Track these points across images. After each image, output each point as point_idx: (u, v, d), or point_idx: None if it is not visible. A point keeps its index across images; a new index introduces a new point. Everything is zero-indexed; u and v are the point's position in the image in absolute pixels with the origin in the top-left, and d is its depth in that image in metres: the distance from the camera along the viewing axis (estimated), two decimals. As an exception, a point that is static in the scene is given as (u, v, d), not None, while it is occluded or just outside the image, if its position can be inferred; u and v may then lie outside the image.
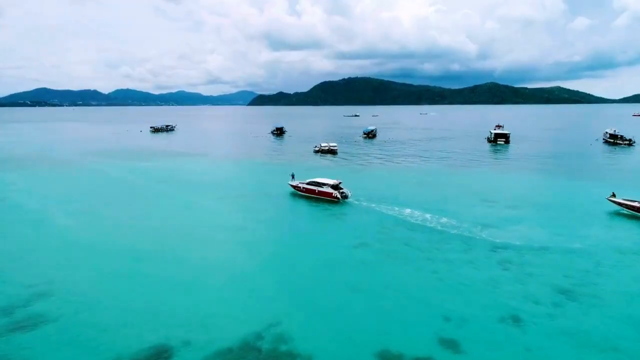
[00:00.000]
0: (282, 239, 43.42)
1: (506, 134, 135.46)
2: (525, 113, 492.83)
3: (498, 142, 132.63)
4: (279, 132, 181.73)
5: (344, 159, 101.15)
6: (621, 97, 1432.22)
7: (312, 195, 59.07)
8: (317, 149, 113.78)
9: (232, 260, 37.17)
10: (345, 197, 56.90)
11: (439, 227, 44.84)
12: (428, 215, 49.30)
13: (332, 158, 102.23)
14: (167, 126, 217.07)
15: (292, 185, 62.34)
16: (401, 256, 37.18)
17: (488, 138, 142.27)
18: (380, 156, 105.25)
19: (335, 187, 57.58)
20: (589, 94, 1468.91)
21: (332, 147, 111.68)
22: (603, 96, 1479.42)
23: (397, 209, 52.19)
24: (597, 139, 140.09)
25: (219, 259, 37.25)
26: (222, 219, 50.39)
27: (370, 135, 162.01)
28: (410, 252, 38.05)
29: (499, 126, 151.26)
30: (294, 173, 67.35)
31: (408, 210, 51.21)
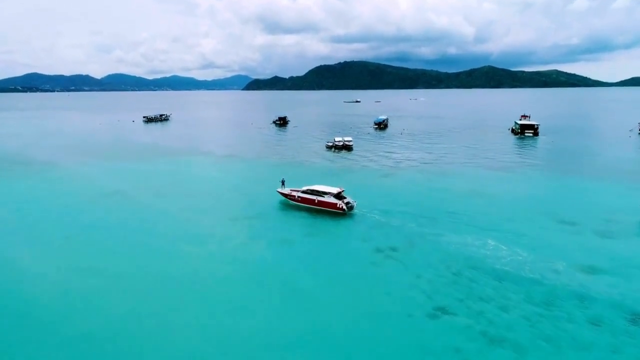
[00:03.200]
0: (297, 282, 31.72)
1: (534, 125, 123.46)
2: (526, 98, 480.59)
3: (526, 135, 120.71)
4: (282, 122, 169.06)
5: (361, 155, 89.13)
6: (618, 80, 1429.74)
7: (311, 205, 50.60)
8: (330, 144, 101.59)
9: (226, 315, 25.56)
10: (350, 208, 49.03)
11: (518, 269, 33.30)
12: (490, 245, 38.05)
13: (347, 156, 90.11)
14: (161, 115, 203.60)
15: (282, 194, 53.79)
16: (479, 333, 25.53)
17: (513, 129, 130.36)
18: (400, 152, 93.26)
19: (339, 195, 49.67)
20: (586, 78, 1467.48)
21: (347, 143, 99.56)
22: (600, 79, 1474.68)
23: (442, 232, 41.59)
24: (631, 130, 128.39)
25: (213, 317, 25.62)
26: (237, 263, 38.53)
27: (381, 126, 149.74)
28: (493, 328, 26.26)
29: (524, 116, 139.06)
30: (284, 179, 57.43)
31: (454, 236, 40.55)
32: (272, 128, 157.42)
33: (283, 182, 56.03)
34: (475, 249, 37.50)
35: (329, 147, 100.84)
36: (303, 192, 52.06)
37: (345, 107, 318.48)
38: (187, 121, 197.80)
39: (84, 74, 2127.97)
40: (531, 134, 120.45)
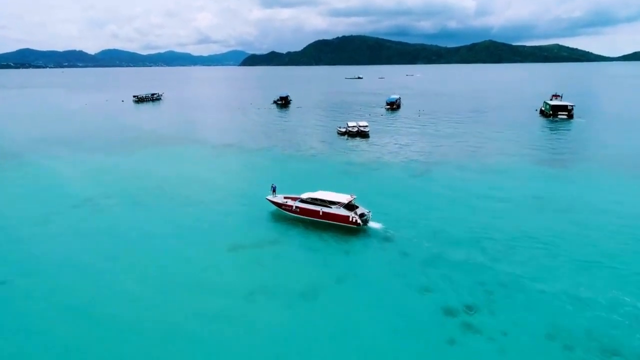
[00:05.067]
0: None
1: (567, 106, 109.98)
2: (536, 73, 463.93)
3: (559, 116, 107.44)
4: (283, 102, 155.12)
5: (380, 145, 76.26)
6: (620, 54, 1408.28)
7: (314, 218, 39.85)
8: (342, 130, 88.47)
9: None
10: (365, 221, 38.55)
11: None
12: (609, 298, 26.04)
13: (363, 146, 77.19)
14: (152, 95, 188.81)
15: (275, 203, 42.87)
16: None
17: (542, 110, 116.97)
18: (425, 141, 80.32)
19: (349, 206, 38.80)
20: (588, 52, 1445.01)
21: (362, 129, 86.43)
22: (602, 54, 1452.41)
23: (526, 274, 29.64)
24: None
25: None
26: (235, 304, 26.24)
27: (394, 106, 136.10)
28: None
29: (556, 96, 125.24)
30: (276, 185, 45.06)
31: (549, 282, 28.31)
32: (273, 109, 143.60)
33: (274, 189, 44.12)
34: (585, 307, 25.35)
35: (342, 134, 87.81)
36: (303, 201, 40.45)
37: (347, 84, 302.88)
38: (181, 101, 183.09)
39: (77, 49, 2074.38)
40: (565, 117, 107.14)
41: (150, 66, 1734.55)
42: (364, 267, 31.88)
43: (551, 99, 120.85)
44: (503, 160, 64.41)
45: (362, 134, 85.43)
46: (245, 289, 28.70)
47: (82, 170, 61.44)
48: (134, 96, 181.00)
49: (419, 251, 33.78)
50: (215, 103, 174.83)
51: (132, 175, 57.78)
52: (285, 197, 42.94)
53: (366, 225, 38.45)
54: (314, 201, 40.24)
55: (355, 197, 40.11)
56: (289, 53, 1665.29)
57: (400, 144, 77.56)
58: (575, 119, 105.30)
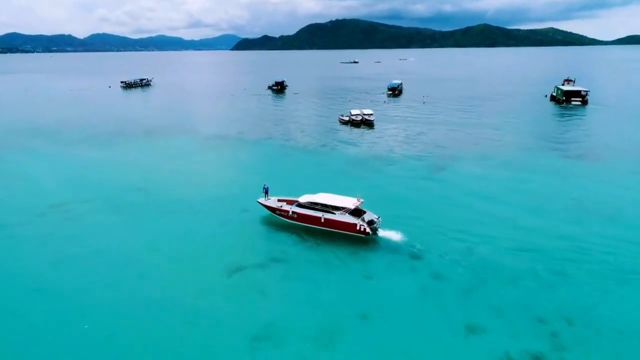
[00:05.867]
0: None
1: (581, 91, 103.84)
2: (530, 57, 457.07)
3: (573, 103, 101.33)
4: (279, 87, 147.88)
5: (387, 136, 70.00)
6: (615, 38, 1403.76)
7: (315, 226, 34.20)
8: (345, 119, 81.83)
9: None
10: (375, 229, 32.93)
11: None
12: None
13: (369, 137, 70.85)
14: (141, 80, 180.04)
15: (268, 207, 37.09)
16: None
17: (553, 96, 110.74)
18: (435, 131, 74.03)
19: (357, 211, 33.26)
20: (582, 36, 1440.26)
21: (367, 118, 79.86)
22: (596, 38, 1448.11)
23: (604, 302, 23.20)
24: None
25: None
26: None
27: (396, 92, 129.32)
28: None
29: (568, 80, 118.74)
30: (268, 186, 38.38)
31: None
32: (268, 95, 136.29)
33: (266, 191, 37.76)
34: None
35: (344, 123, 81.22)
36: (301, 205, 34.53)
37: (343, 69, 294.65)
38: (171, 87, 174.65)
39: (66, 33, 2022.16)
40: (579, 103, 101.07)
41: (141, 50, 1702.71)
42: (393, 296, 25.80)
43: (563, 84, 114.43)
44: (525, 154, 58.28)
45: (367, 123, 78.89)
46: (248, 333, 22.51)
47: (56, 167, 54.63)
48: (122, 82, 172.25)
49: (456, 274, 27.84)
50: (207, 89, 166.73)
51: (114, 174, 51.08)
52: (279, 200, 36.88)
53: (376, 234, 32.62)
54: (313, 206, 34.22)
55: (362, 200, 33.99)
56: (281, 37, 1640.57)
57: (409, 135, 71.15)
58: (590, 106, 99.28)
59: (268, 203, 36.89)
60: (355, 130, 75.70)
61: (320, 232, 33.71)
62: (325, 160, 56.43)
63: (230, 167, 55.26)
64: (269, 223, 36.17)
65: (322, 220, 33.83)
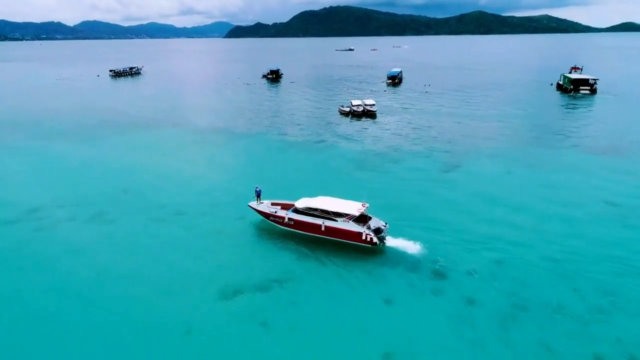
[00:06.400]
0: None
1: (590, 79, 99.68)
2: (526, 44, 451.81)
3: (581, 92, 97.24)
4: (274, 76, 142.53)
5: (391, 129, 65.66)
6: (609, 25, 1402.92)
7: (314, 234, 30.31)
8: (346, 110, 77.27)
9: None
10: (382, 239, 28.90)
11: None
12: None
13: (371, 130, 66.44)
14: (131, 69, 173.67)
15: (260, 212, 32.95)
16: None
17: (560, 84, 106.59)
18: (443, 123, 69.72)
19: (362, 217, 29.66)
20: (576, 23, 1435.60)
21: (369, 108, 75.38)
22: (590, 25, 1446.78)
23: None
24: None
25: None
26: None
27: (396, 80, 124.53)
28: None
29: (575, 68, 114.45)
30: (260, 188, 34.25)
31: None
32: (263, 84, 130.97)
33: (258, 194, 33.63)
34: None
35: (344, 114, 76.70)
36: (298, 211, 30.49)
37: (339, 56, 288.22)
38: (162, 75, 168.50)
39: (55, 21, 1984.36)
40: (587, 92, 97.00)
41: (132, 38, 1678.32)
42: (419, 328, 21.71)
43: (570, 72, 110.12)
44: (544, 150, 54.09)
45: (369, 114, 74.43)
46: None
47: (33, 165, 49.91)
48: (111, 70, 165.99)
49: (489, 297, 23.80)
50: (199, 78, 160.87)
51: (96, 173, 46.46)
52: (273, 204, 32.79)
53: (383, 244, 28.62)
54: (312, 211, 30.06)
55: (367, 205, 29.80)
56: (275, 24, 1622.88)
57: (415, 127, 66.74)
58: (599, 95, 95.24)
59: (260, 208, 32.67)
60: (357, 122, 71.21)
61: (321, 241, 29.62)
62: (325, 158, 51.87)
63: (221, 165, 50.64)
64: (264, 231, 31.96)
65: (323, 229, 29.76)
